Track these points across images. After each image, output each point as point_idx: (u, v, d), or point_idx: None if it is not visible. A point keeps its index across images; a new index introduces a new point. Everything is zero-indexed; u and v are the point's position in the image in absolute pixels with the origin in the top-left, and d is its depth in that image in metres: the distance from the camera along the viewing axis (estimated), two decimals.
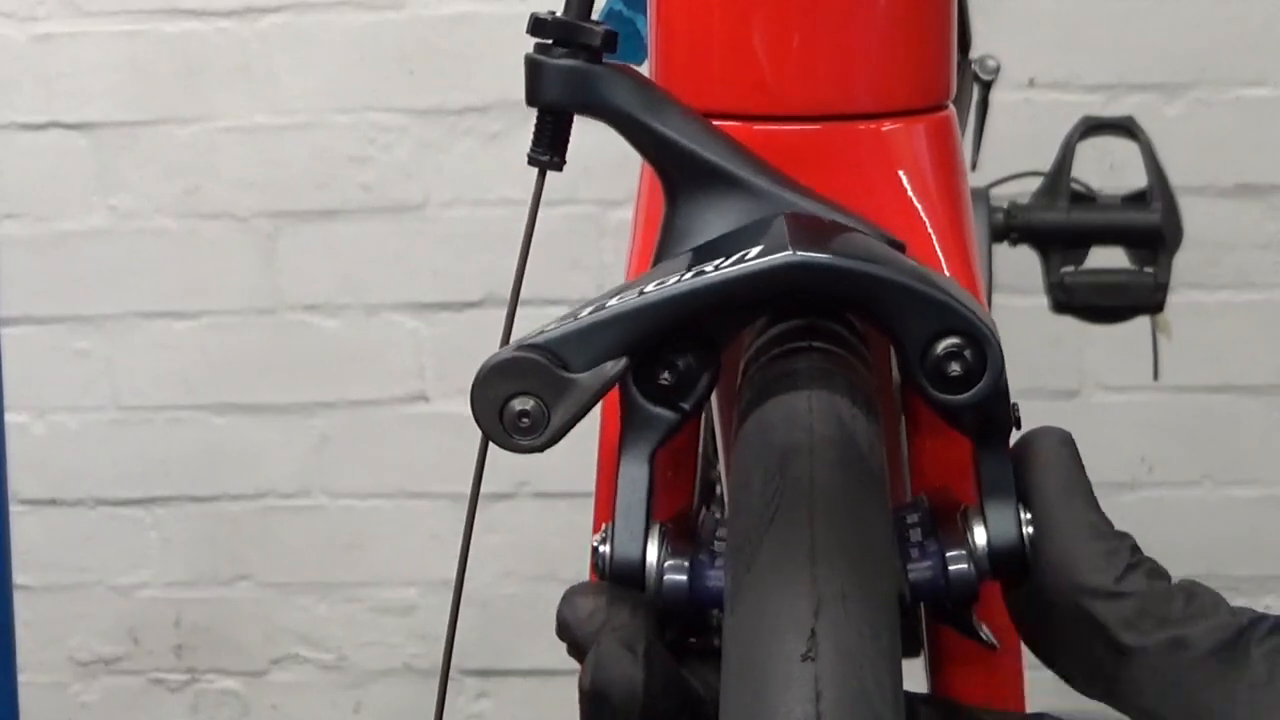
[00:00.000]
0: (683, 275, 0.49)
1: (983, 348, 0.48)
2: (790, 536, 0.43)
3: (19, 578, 1.65)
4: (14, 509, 1.68)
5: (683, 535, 0.51)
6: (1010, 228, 1.35)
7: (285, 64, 1.99)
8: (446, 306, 2.01)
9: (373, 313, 2.02)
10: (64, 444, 2.08)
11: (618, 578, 0.50)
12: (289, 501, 2.07)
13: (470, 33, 1.96)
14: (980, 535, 0.49)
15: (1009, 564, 0.49)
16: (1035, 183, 1.39)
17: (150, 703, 2.13)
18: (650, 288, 0.49)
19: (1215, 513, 1.99)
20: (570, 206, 1.89)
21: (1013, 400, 0.51)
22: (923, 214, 0.63)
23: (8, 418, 1.59)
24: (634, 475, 0.50)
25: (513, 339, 0.58)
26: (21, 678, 1.65)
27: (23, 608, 1.77)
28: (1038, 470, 0.49)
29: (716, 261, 0.49)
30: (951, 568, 0.49)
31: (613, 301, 0.49)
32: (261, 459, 2.06)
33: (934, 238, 0.62)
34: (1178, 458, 1.98)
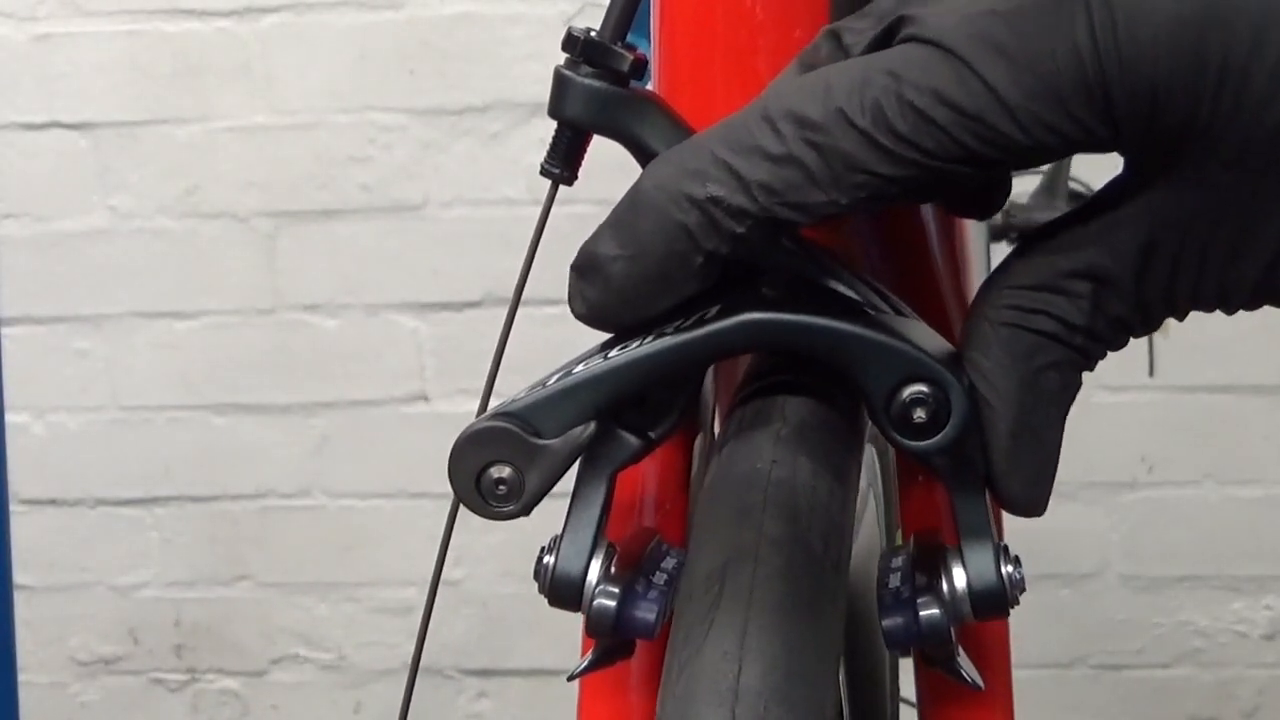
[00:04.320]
0: (644, 339, 0.50)
1: (947, 393, 0.49)
2: (718, 661, 0.43)
3: (19, 578, 1.65)
4: (14, 509, 1.68)
5: (626, 559, 0.51)
6: (1010, 228, 1.35)
7: (285, 64, 1.99)
8: (446, 306, 2.01)
9: (373, 313, 2.03)
10: (64, 444, 2.08)
11: (555, 592, 0.50)
12: (289, 501, 2.08)
13: (470, 33, 1.96)
14: (960, 579, 0.50)
15: (991, 606, 0.49)
16: (1035, 182, 1.39)
17: (150, 703, 2.13)
18: (614, 352, 0.50)
19: (1215, 513, 1.99)
20: (570, 207, 1.89)
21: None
22: (922, 219, 0.63)
23: (8, 418, 1.59)
24: (589, 494, 0.51)
25: (508, 345, 0.59)
26: (21, 678, 1.65)
27: (23, 608, 1.77)
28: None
29: (676, 323, 0.50)
30: (922, 614, 0.49)
31: (579, 368, 0.51)
32: (261, 459, 2.07)
33: (933, 244, 0.62)
34: (1178, 458, 1.98)
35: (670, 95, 0.63)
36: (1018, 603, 0.50)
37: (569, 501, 0.51)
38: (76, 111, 2.02)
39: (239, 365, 2.05)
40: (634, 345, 0.50)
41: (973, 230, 0.66)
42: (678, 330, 0.50)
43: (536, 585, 0.51)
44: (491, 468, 0.50)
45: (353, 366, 2.04)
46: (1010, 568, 0.50)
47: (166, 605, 2.11)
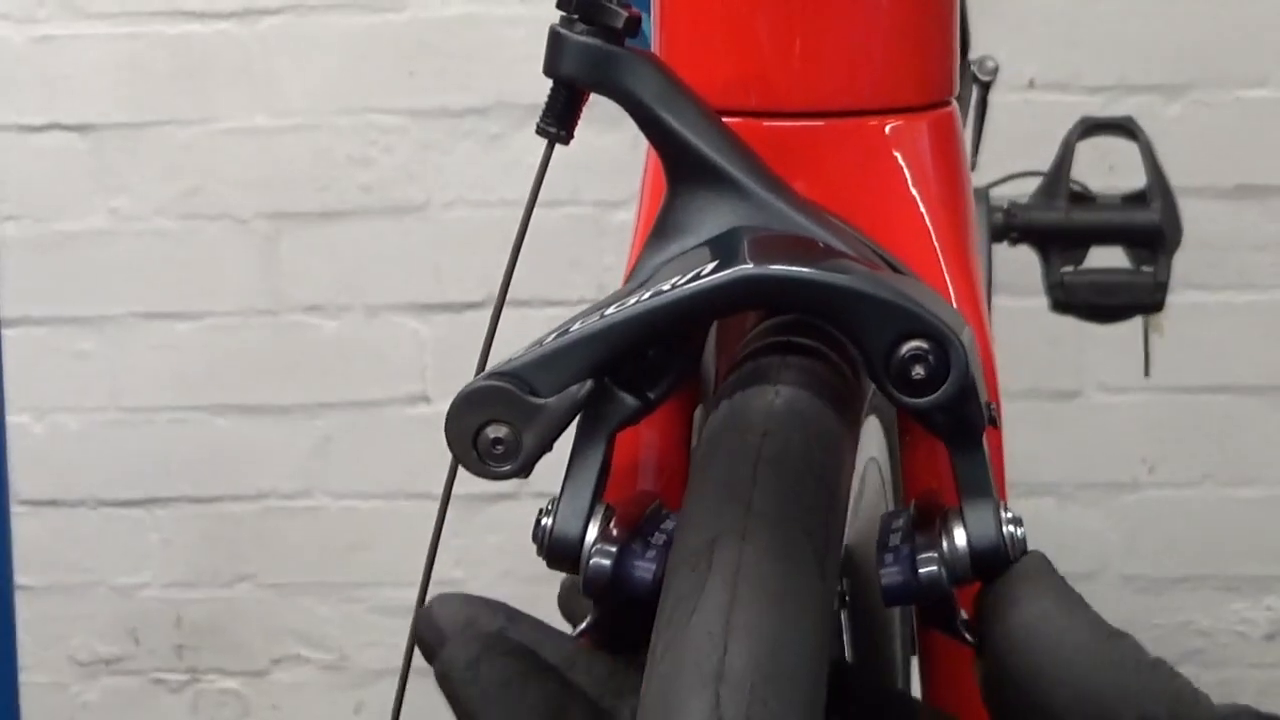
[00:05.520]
0: (641, 296, 0.50)
1: (945, 349, 0.49)
2: (703, 642, 0.43)
3: (19, 578, 1.65)
4: (14, 509, 1.68)
5: (624, 520, 0.51)
6: (1010, 227, 1.35)
7: (285, 65, 1.99)
8: (447, 307, 2.01)
9: (373, 313, 2.03)
10: (64, 444, 2.08)
11: (553, 553, 0.50)
12: (290, 502, 2.07)
13: (470, 33, 1.96)
14: (960, 537, 0.49)
15: (990, 563, 0.49)
16: (1035, 183, 1.39)
17: (150, 703, 2.13)
18: (611, 310, 0.50)
19: (1215, 513, 1.99)
20: (570, 207, 1.89)
21: (988, 399, 0.51)
22: (924, 211, 0.63)
23: (8, 418, 1.59)
24: (587, 453, 0.51)
25: (501, 327, 0.59)
26: (21, 678, 1.65)
27: (23, 608, 1.77)
28: (1019, 582, 0.48)
29: (674, 280, 0.50)
30: (921, 570, 0.49)
31: (576, 326, 0.50)
32: (262, 460, 2.07)
33: (933, 233, 0.62)
34: (1178, 458, 1.98)
35: (669, 55, 0.63)
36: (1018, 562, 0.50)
37: (567, 462, 0.51)
38: (76, 112, 2.02)
39: (239, 366, 2.05)
40: (631, 303, 0.50)
41: (974, 219, 0.66)
42: (674, 287, 0.50)
43: (535, 548, 0.51)
44: (488, 427, 0.50)
45: (354, 367, 2.04)
46: (1011, 527, 0.50)
47: (167, 605, 2.11)
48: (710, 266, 0.50)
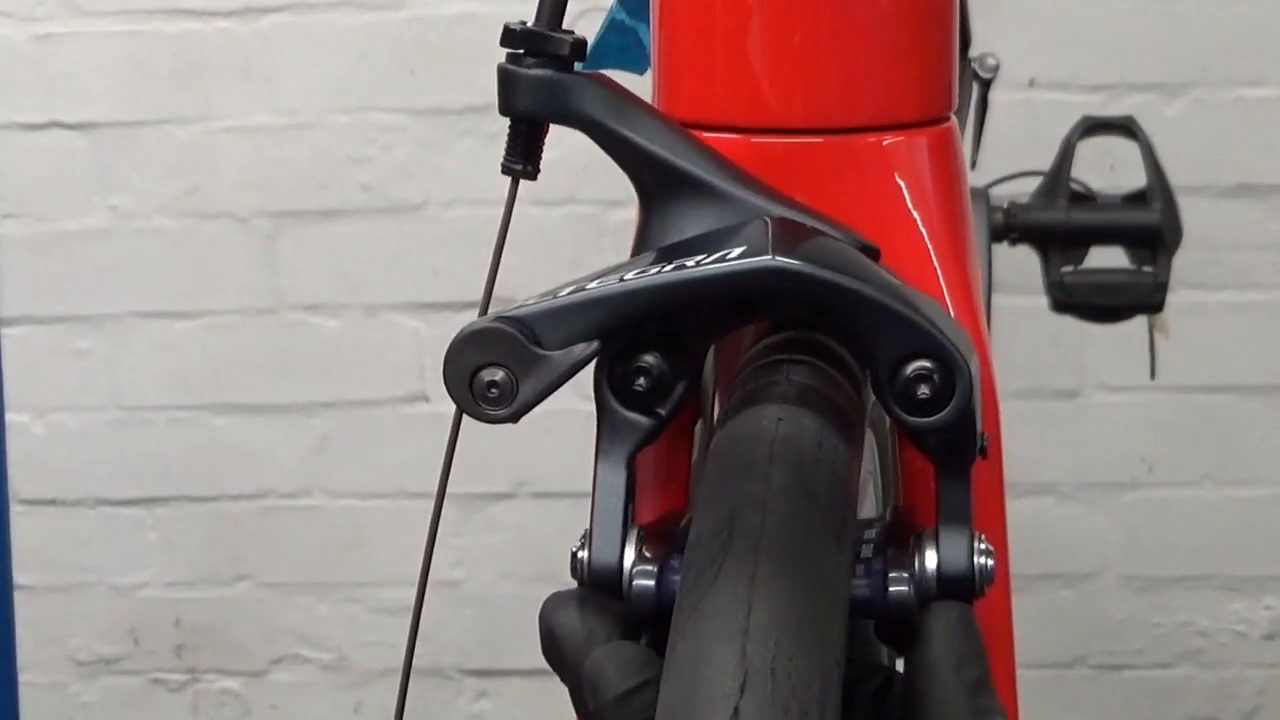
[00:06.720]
0: (663, 267, 0.49)
1: (953, 373, 0.48)
2: (728, 601, 0.43)
3: (19, 578, 1.65)
4: (14, 509, 1.68)
5: (658, 538, 0.51)
6: (1010, 227, 1.35)
7: (285, 64, 1.99)
8: (447, 306, 2.01)
9: (373, 313, 2.02)
10: (64, 444, 2.08)
11: (595, 584, 0.50)
12: (289, 501, 2.07)
13: (470, 33, 1.96)
14: (931, 560, 0.49)
15: (958, 590, 0.49)
16: (1035, 182, 1.39)
17: (150, 703, 2.13)
18: (630, 275, 0.50)
19: (1215, 513, 1.99)
20: (570, 206, 1.89)
21: (983, 430, 0.51)
22: (922, 228, 0.63)
23: (8, 418, 1.59)
24: (611, 481, 0.51)
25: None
26: (21, 678, 1.65)
27: (23, 608, 1.77)
28: (934, 643, 0.49)
29: (698, 257, 0.49)
30: (891, 589, 0.49)
31: (592, 285, 0.50)
32: (261, 459, 2.06)
33: (932, 251, 0.62)
34: (1178, 458, 1.98)
35: (668, 73, 0.63)
36: (984, 593, 0.50)
37: (591, 492, 0.51)
38: (76, 111, 2.01)
39: (239, 365, 2.05)
40: (652, 272, 0.50)
41: (973, 237, 0.66)
42: (699, 264, 0.49)
43: (575, 581, 0.51)
44: (485, 369, 0.50)
45: (353, 366, 2.04)
46: (982, 558, 0.50)
47: (166, 605, 2.11)
48: (737, 251, 0.49)
